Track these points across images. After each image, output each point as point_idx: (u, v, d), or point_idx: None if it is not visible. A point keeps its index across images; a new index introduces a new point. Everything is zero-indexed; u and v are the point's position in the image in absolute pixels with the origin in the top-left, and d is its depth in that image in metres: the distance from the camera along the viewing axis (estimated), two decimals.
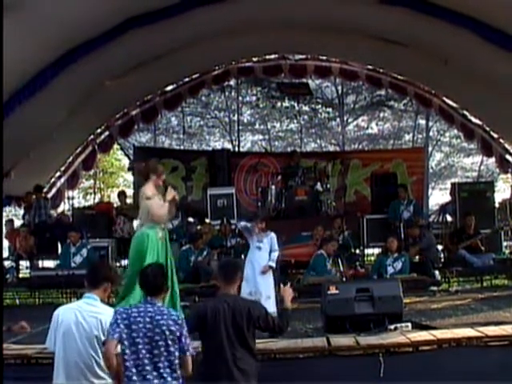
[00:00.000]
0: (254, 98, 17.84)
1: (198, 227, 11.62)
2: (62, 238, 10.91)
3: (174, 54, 11.50)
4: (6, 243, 11.99)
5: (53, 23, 8.08)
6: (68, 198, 15.15)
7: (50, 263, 11.68)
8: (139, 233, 6.66)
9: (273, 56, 14.04)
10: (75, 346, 4.05)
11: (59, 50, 8.97)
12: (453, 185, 12.94)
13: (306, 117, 18.16)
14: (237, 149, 16.80)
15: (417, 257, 10.33)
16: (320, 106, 17.94)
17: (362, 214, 12.01)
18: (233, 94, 16.98)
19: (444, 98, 14.10)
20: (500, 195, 14.78)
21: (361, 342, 5.61)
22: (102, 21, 8.84)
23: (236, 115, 16.98)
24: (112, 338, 3.85)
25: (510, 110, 11.09)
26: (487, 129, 13.99)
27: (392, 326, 6.11)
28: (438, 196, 19.89)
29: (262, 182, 13.45)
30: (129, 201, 13.73)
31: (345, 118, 17.75)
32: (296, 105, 17.70)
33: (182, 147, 17.22)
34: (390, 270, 9.49)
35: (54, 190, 14.34)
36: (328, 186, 12.43)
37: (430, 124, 17.57)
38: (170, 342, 3.83)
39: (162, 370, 3.81)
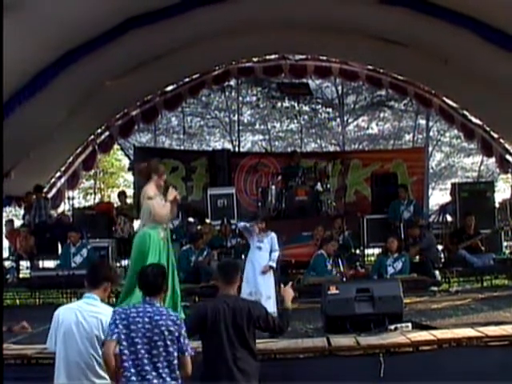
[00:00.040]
0: (254, 98, 17.83)
1: (199, 227, 11.63)
2: (62, 238, 10.91)
3: (174, 54, 11.50)
4: (6, 243, 11.99)
5: (53, 23, 8.08)
6: (68, 198, 15.15)
7: (50, 263, 11.68)
8: (141, 233, 6.67)
9: (273, 56, 14.04)
10: (76, 345, 4.05)
11: (59, 50, 8.97)
12: (453, 185, 12.95)
13: (306, 117, 18.16)
14: (237, 149, 16.79)
15: (417, 257, 10.33)
16: (320, 106, 17.93)
17: (363, 214, 12.01)
18: (233, 94, 16.97)
19: (444, 98, 14.10)
20: (500, 195, 14.79)
21: (361, 342, 5.61)
22: (102, 21, 8.84)
23: (236, 115, 16.98)
24: (110, 339, 3.85)
25: (510, 110, 11.09)
26: (487, 129, 13.99)
27: (392, 326, 6.11)
28: (438, 196, 19.93)
29: (262, 182, 13.44)
30: (129, 201, 13.73)
31: (345, 118, 17.74)
32: (296, 105, 17.70)
33: (182, 147, 17.21)
34: (391, 270, 9.49)
35: (54, 190, 14.35)
36: (328, 186, 12.43)
37: (430, 124, 17.56)
38: (168, 343, 3.83)
39: (160, 370, 3.81)
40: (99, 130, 14.39)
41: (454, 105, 14.11)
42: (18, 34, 7.61)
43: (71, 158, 14.36)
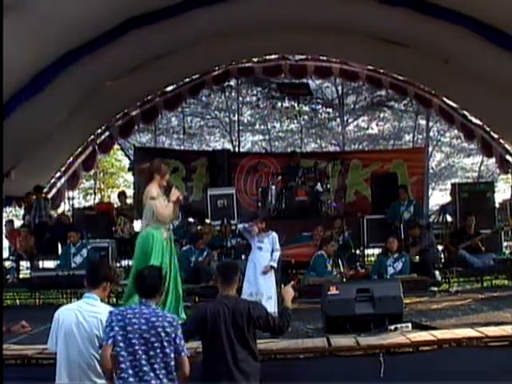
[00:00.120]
0: (254, 98, 17.81)
1: (199, 227, 11.62)
2: (62, 239, 10.91)
3: (174, 54, 11.51)
4: (6, 243, 12.00)
5: (53, 23, 8.08)
6: (68, 199, 15.17)
7: (50, 263, 11.68)
8: (144, 233, 6.67)
9: (273, 56, 14.05)
10: (77, 346, 4.05)
11: (59, 50, 8.97)
12: (453, 185, 12.94)
13: (306, 117, 18.14)
14: (237, 149, 16.78)
15: (417, 257, 10.33)
16: (320, 106, 17.92)
17: (363, 214, 12.01)
18: (233, 94, 16.96)
19: (444, 99, 14.11)
20: (500, 195, 14.82)
21: (361, 342, 5.61)
22: (102, 21, 8.84)
23: (236, 115, 16.96)
24: (106, 344, 3.86)
25: (510, 110, 11.09)
26: (487, 129, 14.00)
27: (392, 327, 6.11)
28: (439, 196, 19.93)
29: (262, 182, 13.43)
30: (129, 201, 13.74)
31: (345, 119, 17.72)
32: (296, 105, 17.69)
33: (182, 147, 17.19)
34: (391, 270, 9.48)
35: (54, 191, 14.36)
36: (328, 186, 12.42)
37: (430, 124, 17.54)
38: (165, 344, 3.83)
39: (158, 372, 3.82)
40: (99, 130, 14.40)
41: (454, 105, 14.12)
42: (18, 33, 7.61)
43: (71, 159, 14.37)
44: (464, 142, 17.14)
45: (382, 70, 14.00)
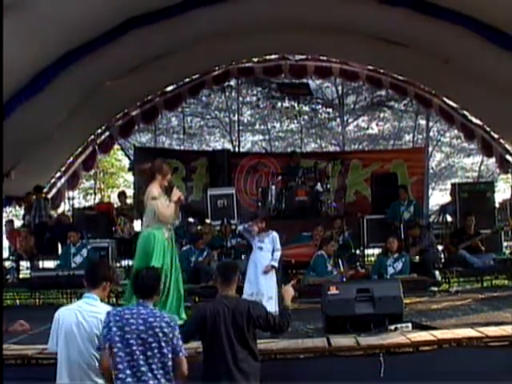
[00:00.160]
0: (255, 98, 17.82)
1: (199, 227, 11.61)
2: (62, 239, 10.91)
3: (174, 54, 11.51)
4: (6, 243, 12.00)
5: (53, 23, 8.08)
6: (68, 199, 15.17)
7: (50, 263, 11.68)
8: (146, 233, 6.67)
9: (273, 56, 14.05)
10: (77, 346, 4.06)
11: (60, 50, 8.97)
12: (453, 185, 12.94)
13: (306, 117, 18.15)
14: (237, 149, 16.78)
15: (417, 257, 10.33)
16: (320, 106, 17.93)
17: (363, 214, 12.00)
18: (233, 94, 16.96)
19: (444, 99, 14.11)
20: (500, 195, 14.81)
21: (361, 342, 5.60)
22: (102, 21, 8.84)
23: (236, 115, 16.96)
24: (104, 346, 3.86)
25: (510, 110, 11.09)
26: (487, 129, 14.00)
27: (392, 327, 6.11)
28: (438, 196, 19.93)
29: (262, 182, 13.43)
30: (129, 201, 13.74)
31: (345, 119, 17.73)
32: (296, 105, 17.69)
33: (182, 147, 17.20)
34: (391, 270, 9.47)
35: (54, 191, 14.36)
36: (328, 186, 12.42)
37: (431, 124, 17.54)
38: (163, 344, 3.83)
39: (155, 372, 3.82)
40: (99, 130, 14.40)
41: (454, 105, 14.11)
42: (18, 33, 7.61)
43: (71, 159, 14.37)
44: (464, 141, 17.14)
45: (382, 70, 13.99)
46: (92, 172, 17.08)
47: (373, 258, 12.10)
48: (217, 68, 14.11)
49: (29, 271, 11.35)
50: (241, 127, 17.38)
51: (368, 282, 7.76)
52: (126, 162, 19.82)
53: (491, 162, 17.06)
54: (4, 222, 12.11)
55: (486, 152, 15.00)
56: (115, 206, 13.63)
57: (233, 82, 16.09)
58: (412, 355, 5.43)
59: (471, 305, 8.16)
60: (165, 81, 13.81)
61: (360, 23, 10.66)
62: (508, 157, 14.06)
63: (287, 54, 14.01)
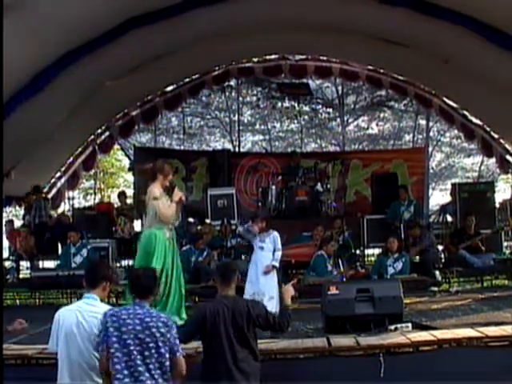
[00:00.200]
0: (255, 98, 17.82)
1: (199, 227, 11.61)
2: (63, 239, 10.91)
3: (174, 54, 11.51)
4: (6, 243, 12.00)
5: (53, 23, 8.08)
6: (68, 199, 15.17)
7: (50, 263, 11.68)
8: (147, 232, 6.67)
9: (273, 56, 14.05)
10: (77, 346, 4.06)
11: (60, 50, 8.97)
12: (453, 185, 12.95)
13: (306, 117, 18.14)
14: (237, 149, 16.78)
15: (417, 257, 10.33)
16: (320, 106, 17.93)
17: (363, 214, 12.00)
18: (233, 94, 16.96)
19: (444, 99, 14.11)
20: (500, 195, 14.83)
21: (361, 342, 5.60)
22: (102, 21, 8.84)
23: (236, 115, 16.96)
24: (102, 349, 3.86)
25: (510, 110, 11.09)
26: (487, 129, 14.00)
27: (392, 327, 6.11)
28: (439, 196, 19.92)
29: (262, 182, 13.43)
30: (129, 201, 13.74)
31: (345, 119, 17.73)
32: (296, 105, 17.69)
33: (182, 147, 17.20)
34: (391, 270, 9.47)
35: (54, 191, 14.36)
36: (328, 186, 12.41)
37: (431, 124, 17.54)
38: (160, 344, 3.83)
39: (153, 372, 3.82)
40: (99, 130, 14.39)
41: (454, 105, 14.11)
42: (18, 33, 7.61)
43: (71, 159, 14.37)
44: (464, 141, 17.14)
45: (382, 70, 13.99)
46: (92, 172, 17.09)
47: (373, 258, 12.10)
48: (217, 68, 14.11)
49: (29, 271, 11.35)
50: (241, 127, 17.38)
51: (368, 282, 7.76)
52: (126, 162, 19.83)
53: (491, 162, 17.06)
54: (4, 222, 12.11)
55: (486, 152, 15.00)
56: (115, 206, 13.64)
57: (233, 82, 16.09)
58: (412, 355, 5.43)
59: (471, 305, 8.16)
60: (165, 81, 13.81)
61: (360, 23, 10.66)
62: (508, 157, 14.05)
63: (287, 54, 14.01)
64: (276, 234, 7.34)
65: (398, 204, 11.40)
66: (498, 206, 12.28)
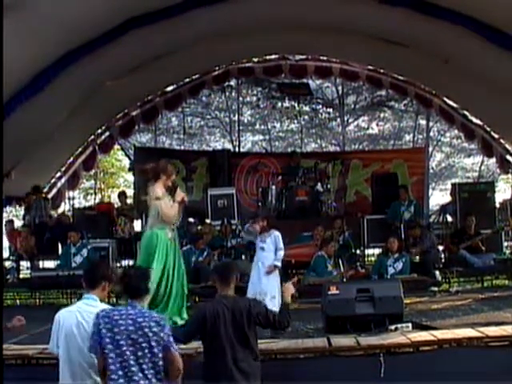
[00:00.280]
0: (255, 98, 17.82)
1: (199, 227, 11.61)
2: (63, 239, 10.90)
3: (174, 54, 11.51)
4: (6, 243, 11.99)
5: (53, 23, 8.08)
6: (68, 199, 15.17)
7: (50, 263, 11.68)
8: (149, 232, 6.67)
9: (273, 56, 14.05)
10: (78, 346, 4.06)
11: (60, 50, 8.97)
12: (453, 185, 12.93)
13: (306, 117, 18.14)
14: (237, 149, 16.78)
15: (417, 257, 10.33)
16: (320, 106, 17.93)
17: (363, 214, 11.99)
18: (233, 94, 16.96)
19: (444, 99, 14.11)
20: (500, 195, 14.82)
21: (361, 342, 5.61)
22: (102, 21, 8.84)
23: (236, 115, 16.96)
24: (96, 352, 3.86)
25: (510, 110, 11.09)
26: (488, 129, 14.00)
27: (392, 327, 6.11)
28: (439, 196, 19.90)
29: (262, 182, 13.43)
30: (129, 201, 13.75)
31: (345, 119, 17.72)
32: (296, 105, 17.69)
33: (182, 147, 17.20)
34: (391, 270, 9.47)
35: (54, 191, 14.36)
36: (328, 186, 12.41)
37: (431, 124, 17.52)
38: (153, 344, 3.82)
39: (146, 372, 3.80)
40: (99, 131, 14.40)
41: (455, 105, 14.11)
42: (18, 33, 7.61)
43: (71, 159, 14.37)
44: (464, 141, 17.13)
45: (382, 70, 13.99)
46: (92, 172, 17.07)
47: (373, 258, 12.09)
48: (217, 68, 14.11)
49: (29, 271, 11.34)
50: (241, 127, 17.37)
51: (368, 282, 7.76)
52: (126, 162, 19.83)
53: (491, 162, 17.05)
54: (4, 222, 12.10)
55: (487, 152, 15.00)
56: (115, 206, 13.63)
57: (233, 82, 16.10)
58: (412, 355, 5.43)
59: (471, 305, 8.16)
60: (165, 81, 13.81)
61: (360, 23, 10.66)
62: (508, 157, 14.05)
63: (287, 54, 14.02)
64: (277, 233, 7.31)
65: (398, 204, 11.40)
66: (498, 206, 12.26)
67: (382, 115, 18.54)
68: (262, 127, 18.71)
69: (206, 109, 17.82)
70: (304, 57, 14.10)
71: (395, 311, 6.29)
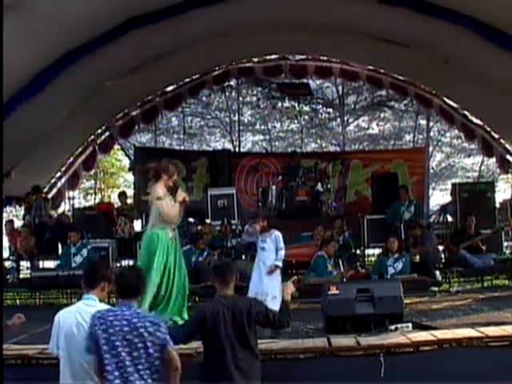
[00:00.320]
0: (255, 98, 17.82)
1: (199, 227, 11.61)
2: (63, 239, 10.90)
3: (174, 54, 11.52)
4: (6, 243, 11.99)
5: (53, 23, 8.08)
6: (68, 199, 15.18)
7: (50, 263, 11.68)
8: (149, 232, 6.67)
9: (273, 56, 14.06)
10: (78, 346, 4.06)
11: (60, 50, 8.97)
12: (453, 185, 12.93)
13: (306, 117, 18.14)
14: (237, 149, 16.78)
15: (417, 257, 10.33)
16: (320, 106, 17.93)
17: (363, 214, 11.99)
18: (233, 94, 16.97)
19: (444, 99, 14.11)
20: (501, 195, 14.81)
21: (361, 342, 5.60)
22: (102, 21, 8.85)
23: (236, 115, 16.97)
24: (91, 353, 3.86)
25: (510, 110, 11.09)
26: (488, 129, 14.00)
27: (393, 327, 6.11)
28: (439, 196, 19.88)
29: (262, 182, 13.42)
30: (129, 201, 13.75)
31: (345, 119, 17.72)
32: (296, 105, 17.70)
33: (182, 147, 17.20)
34: (391, 270, 9.47)
35: (54, 191, 14.36)
36: (328, 186, 12.41)
37: (431, 124, 17.53)
38: (149, 344, 3.81)
39: (142, 372, 3.80)
40: (99, 131, 14.40)
41: (455, 105, 14.12)
42: (18, 33, 7.61)
43: (71, 159, 14.38)
44: (464, 141, 17.13)
45: (382, 70, 14.00)
46: (92, 172, 17.08)
47: (373, 258, 12.09)
48: (217, 68, 14.12)
49: (29, 271, 11.34)
50: (241, 127, 17.38)
51: (368, 282, 7.77)
52: (126, 162, 19.82)
53: (492, 162, 17.04)
54: (4, 222, 12.10)
55: (487, 152, 15.00)
56: (115, 206, 13.63)
57: (233, 82, 16.10)
58: (412, 355, 5.43)
59: (471, 305, 8.16)
60: (165, 81, 13.82)
61: (360, 23, 10.66)
62: (508, 157, 14.05)
63: (287, 54, 14.02)
64: (277, 233, 7.30)
65: (399, 204, 11.40)
66: (498, 205, 12.26)
67: (382, 115, 18.54)
68: (262, 127, 18.71)
69: (206, 109, 17.82)
70: (304, 57, 14.10)
71: (395, 311, 6.29)
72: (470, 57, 10.32)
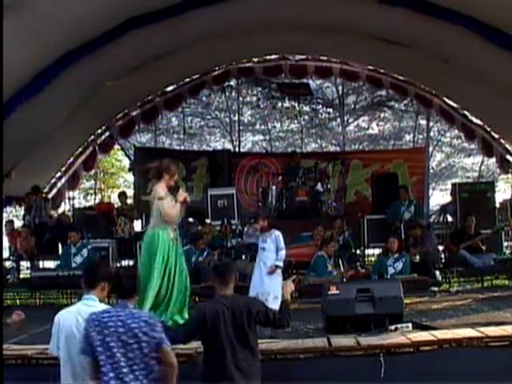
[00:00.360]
0: (255, 98, 17.82)
1: (199, 228, 11.61)
2: (63, 239, 10.90)
3: (174, 54, 11.52)
4: (6, 244, 11.99)
5: (53, 23, 8.08)
6: (69, 199, 15.16)
7: (50, 264, 11.67)
8: (150, 232, 6.66)
9: (273, 56, 14.06)
10: (77, 346, 4.05)
11: (60, 50, 8.97)
12: (453, 185, 12.93)
13: (306, 117, 18.15)
14: (237, 149, 16.78)
15: (417, 257, 10.33)
16: (320, 106, 17.94)
17: (363, 214, 11.99)
18: (233, 94, 16.97)
19: (444, 99, 14.11)
20: (501, 195, 14.82)
21: (361, 342, 5.60)
22: (102, 21, 8.85)
23: (236, 115, 16.97)
24: (89, 356, 3.86)
25: (510, 110, 11.09)
26: (488, 129, 14.00)
27: (392, 327, 6.11)
28: (439, 196, 19.88)
29: (262, 182, 13.43)
30: (129, 201, 13.74)
31: (345, 119, 17.72)
32: (296, 105, 17.70)
33: (182, 147, 17.20)
34: (391, 270, 9.47)
35: (54, 191, 14.36)
36: (328, 186, 12.42)
37: (431, 124, 17.52)
38: (144, 344, 3.80)
39: (137, 373, 3.79)
40: (99, 131, 14.40)
41: (455, 105, 14.12)
42: (18, 33, 7.62)
43: (71, 159, 14.38)
44: (464, 141, 17.13)
45: (382, 70, 14.00)
46: (92, 172, 17.07)
47: (373, 258, 12.10)
48: (217, 68, 14.12)
49: (29, 271, 11.34)
50: (241, 127, 17.38)
51: (368, 282, 7.77)
52: (126, 162, 19.83)
53: (492, 161, 17.04)
54: (4, 222, 12.10)
55: (487, 152, 15.01)
56: (115, 206, 13.64)
57: (233, 82, 16.10)
58: (412, 355, 5.42)
59: (471, 305, 8.16)
60: (165, 81, 13.82)
61: (360, 23, 10.66)
62: (508, 157, 14.06)
63: (287, 54, 14.02)
64: (278, 233, 7.29)
65: (399, 204, 11.40)
66: (498, 205, 12.26)
67: (382, 115, 18.54)
68: (262, 127, 18.71)
69: (206, 109, 17.82)
70: (304, 57, 14.10)
71: (395, 311, 6.29)
72: (470, 57, 10.32)
